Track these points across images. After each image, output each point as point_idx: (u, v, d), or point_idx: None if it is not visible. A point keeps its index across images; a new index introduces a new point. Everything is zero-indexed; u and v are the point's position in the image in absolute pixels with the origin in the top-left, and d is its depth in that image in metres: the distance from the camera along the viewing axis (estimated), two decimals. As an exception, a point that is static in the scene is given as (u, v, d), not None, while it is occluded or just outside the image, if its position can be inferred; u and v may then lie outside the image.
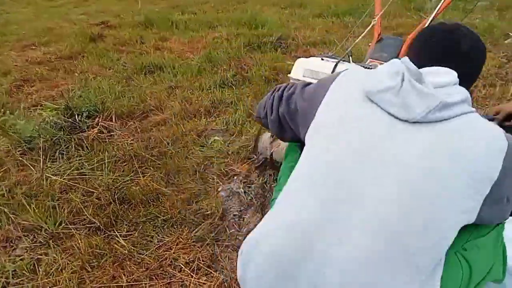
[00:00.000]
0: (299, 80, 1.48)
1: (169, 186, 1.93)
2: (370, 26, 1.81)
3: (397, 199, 0.75)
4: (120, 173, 1.96)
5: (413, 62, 0.97)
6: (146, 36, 4.57)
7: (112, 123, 2.46)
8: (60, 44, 4.22)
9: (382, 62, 1.77)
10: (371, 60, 1.80)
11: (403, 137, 0.79)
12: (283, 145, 1.77)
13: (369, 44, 1.97)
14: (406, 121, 0.80)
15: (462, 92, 0.83)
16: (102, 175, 1.91)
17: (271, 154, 1.81)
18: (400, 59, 0.88)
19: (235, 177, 1.97)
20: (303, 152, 0.92)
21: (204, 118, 2.59)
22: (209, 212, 1.76)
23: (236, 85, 3.10)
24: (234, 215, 1.76)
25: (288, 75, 1.55)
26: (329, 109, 0.90)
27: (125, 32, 4.72)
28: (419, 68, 0.94)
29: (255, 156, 1.96)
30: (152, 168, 2.05)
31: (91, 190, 1.82)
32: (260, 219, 1.69)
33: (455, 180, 0.75)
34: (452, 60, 0.91)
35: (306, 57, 1.61)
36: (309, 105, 0.95)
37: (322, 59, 1.52)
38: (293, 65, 3.64)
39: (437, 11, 1.79)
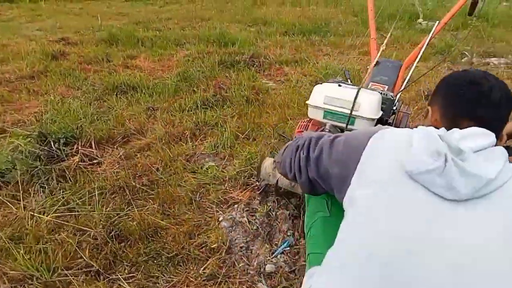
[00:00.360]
0: (318, 107, 1.44)
1: (166, 218, 1.81)
2: (380, 51, 1.82)
3: (452, 285, 0.72)
4: (113, 206, 1.81)
5: (441, 113, 0.97)
6: (112, 54, 4.38)
7: (92, 150, 2.29)
8: (19, 62, 3.92)
9: (384, 86, 1.78)
10: (373, 83, 1.81)
11: (450, 218, 0.76)
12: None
13: (367, 67, 1.99)
14: (451, 200, 0.77)
15: (502, 154, 0.81)
16: (93, 210, 1.75)
17: (277, 181, 1.75)
18: (437, 128, 0.85)
19: (236, 205, 1.89)
20: (345, 221, 0.88)
21: (190, 142, 2.49)
22: (214, 245, 1.66)
23: (217, 105, 3.03)
24: (241, 247, 1.67)
25: (307, 102, 1.51)
26: (365, 184, 0.85)
27: (89, 50, 4.50)
28: (449, 119, 0.94)
29: (257, 182, 1.89)
30: (145, 199, 1.92)
31: (84, 228, 1.65)
32: (270, 251, 1.64)
33: (507, 255, 0.73)
34: (483, 110, 0.91)
35: (321, 83, 1.59)
36: (341, 171, 0.90)
37: (340, 85, 1.49)
38: (268, 84, 3.64)
39: (433, 33, 1.85)
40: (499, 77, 0.96)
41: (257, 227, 1.75)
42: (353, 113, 1.34)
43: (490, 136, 0.83)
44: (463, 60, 4.40)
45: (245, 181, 2.01)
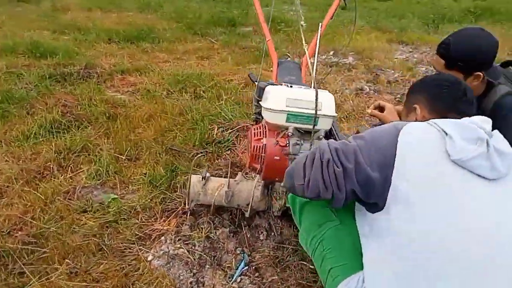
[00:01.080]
0: (280, 110, 1.29)
1: (79, 278, 1.39)
2: (307, 51, 1.77)
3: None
4: (-3, 285, 1.26)
5: (429, 109, 1.10)
6: None
7: None
8: None
9: (298, 85, 1.80)
10: (285, 83, 1.81)
11: (498, 195, 0.85)
12: (225, 188, 1.57)
13: (271, 68, 1.97)
14: (491, 179, 0.85)
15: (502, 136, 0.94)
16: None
17: (214, 201, 1.57)
18: (470, 117, 0.94)
19: (163, 237, 1.60)
20: (386, 218, 0.87)
21: (60, 175, 1.98)
22: (161, 291, 1.37)
23: (73, 126, 2.51)
24: (191, 282, 1.43)
25: (265, 106, 1.33)
26: (407, 179, 0.85)
27: None
28: (437, 114, 1.07)
29: (184, 205, 1.64)
30: (40, 262, 1.42)
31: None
32: (226, 276, 1.46)
33: None
34: (464, 106, 1.07)
35: (274, 84, 1.47)
36: (381, 173, 0.87)
37: (291, 86, 1.42)
38: (117, 96, 3.23)
39: (320, 33, 1.97)
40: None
41: (200, 254, 1.53)
42: (318, 112, 1.30)
43: (489, 122, 0.95)
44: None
45: (164, 208, 1.73)
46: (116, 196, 1.78)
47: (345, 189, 0.88)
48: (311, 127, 1.30)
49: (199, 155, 2.16)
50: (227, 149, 2.30)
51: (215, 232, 1.61)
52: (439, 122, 0.91)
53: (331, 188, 0.88)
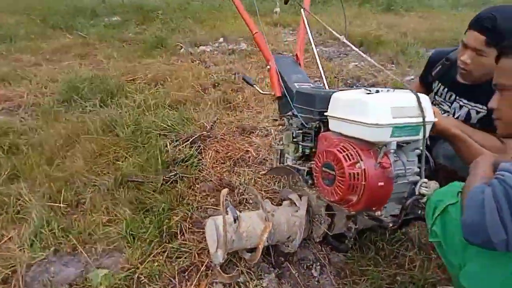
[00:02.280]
0: (386, 124, 0.96)
1: None
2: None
3: None
4: None
5: None
6: None
7: None
8: None
9: (309, 84, 1.50)
10: (298, 84, 1.48)
11: None
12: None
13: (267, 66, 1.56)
14: None
15: None
16: None
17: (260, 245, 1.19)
18: None
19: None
20: None
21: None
22: None
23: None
24: None
25: (366, 121, 0.93)
26: None
27: None
28: None
29: (218, 259, 1.20)
30: None
31: None
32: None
33: None
34: None
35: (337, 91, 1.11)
36: None
37: (377, 91, 1.06)
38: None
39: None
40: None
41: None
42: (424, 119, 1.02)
43: None
44: (181, 51, 4.43)
45: (178, 268, 1.25)
46: (108, 271, 1.22)
47: None
48: (416, 138, 1.04)
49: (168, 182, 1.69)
50: (194, 168, 1.86)
51: (261, 284, 1.24)
52: None
53: None
